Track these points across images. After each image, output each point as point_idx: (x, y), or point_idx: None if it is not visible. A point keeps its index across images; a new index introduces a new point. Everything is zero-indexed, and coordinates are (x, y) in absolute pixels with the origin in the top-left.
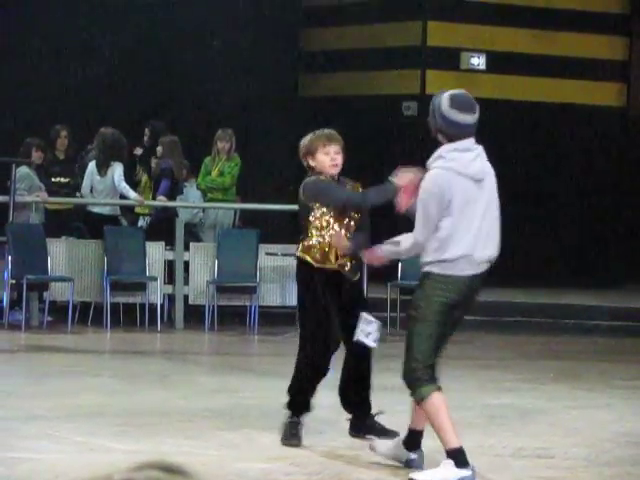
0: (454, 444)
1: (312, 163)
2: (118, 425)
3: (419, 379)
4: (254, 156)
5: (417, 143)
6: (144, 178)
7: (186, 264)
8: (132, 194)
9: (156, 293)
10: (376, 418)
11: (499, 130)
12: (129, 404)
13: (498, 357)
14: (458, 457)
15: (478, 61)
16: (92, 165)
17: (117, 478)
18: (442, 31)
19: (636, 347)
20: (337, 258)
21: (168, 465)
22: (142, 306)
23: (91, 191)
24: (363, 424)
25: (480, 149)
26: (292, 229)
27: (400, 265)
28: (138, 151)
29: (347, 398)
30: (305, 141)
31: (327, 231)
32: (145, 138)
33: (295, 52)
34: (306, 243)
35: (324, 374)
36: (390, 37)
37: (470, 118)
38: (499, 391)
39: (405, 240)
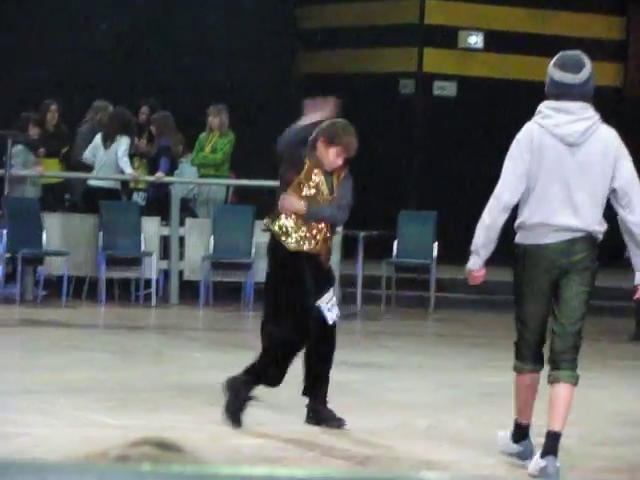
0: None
1: (322, 148)
2: (112, 400)
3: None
4: (251, 133)
5: (414, 121)
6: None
7: (181, 240)
8: (128, 169)
9: (151, 268)
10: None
11: (496, 109)
12: (124, 379)
13: (492, 335)
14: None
15: (476, 39)
16: (98, 137)
17: (113, 454)
18: (440, 9)
19: (629, 327)
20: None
21: (163, 441)
22: (137, 281)
23: (92, 164)
24: (315, 409)
25: (589, 115)
26: None
27: (396, 242)
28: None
29: (306, 381)
30: (334, 128)
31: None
32: (143, 116)
33: (292, 29)
34: (283, 222)
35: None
36: (388, 15)
37: (570, 77)
38: (493, 369)
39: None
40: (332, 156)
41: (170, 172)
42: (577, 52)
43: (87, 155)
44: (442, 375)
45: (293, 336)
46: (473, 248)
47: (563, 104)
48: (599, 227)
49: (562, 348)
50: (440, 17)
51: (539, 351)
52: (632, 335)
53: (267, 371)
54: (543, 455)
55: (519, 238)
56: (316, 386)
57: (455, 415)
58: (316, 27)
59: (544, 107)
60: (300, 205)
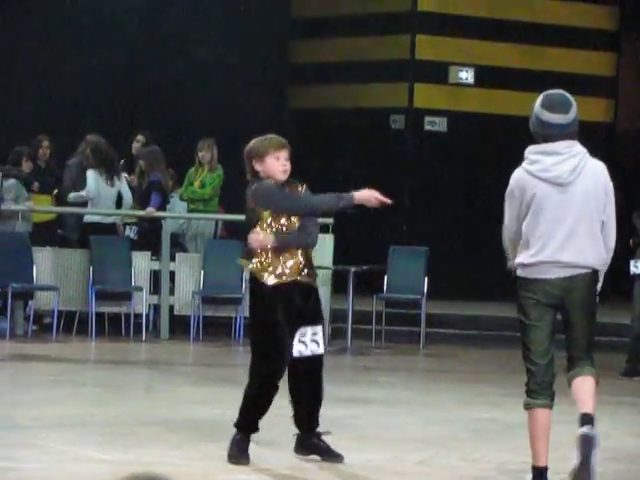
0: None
1: (259, 167)
2: (103, 435)
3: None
4: (241, 168)
5: (404, 156)
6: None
7: (172, 274)
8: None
9: (141, 303)
10: (323, 437)
11: (487, 144)
12: (114, 414)
13: (483, 371)
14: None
15: (466, 75)
16: (94, 173)
17: None
18: (431, 45)
19: (619, 362)
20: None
21: (154, 476)
22: (127, 316)
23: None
24: (307, 442)
25: (576, 152)
26: None
27: (386, 278)
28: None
29: (296, 414)
30: (255, 144)
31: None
32: (137, 145)
33: (283, 64)
34: (258, 259)
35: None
36: (379, 50)
37: (559, 118)
38: (483, 405)
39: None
40: (275, 163)
41: (162, 207)
42: (561, 91)
43: (94, 196)
44: (432, 411)
45: (269, 374)
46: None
47: (549, 146)
48: (600, 262)
49: (576, 352)
50: (431, 52)
51: (547, 385)
52: (623, 371)
53: (247, 414)
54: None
55: (521, 272)
56: (309, 420)
57: (446, 451)
58: (307, 62)
59: (530, 153)
60: (267, 236)
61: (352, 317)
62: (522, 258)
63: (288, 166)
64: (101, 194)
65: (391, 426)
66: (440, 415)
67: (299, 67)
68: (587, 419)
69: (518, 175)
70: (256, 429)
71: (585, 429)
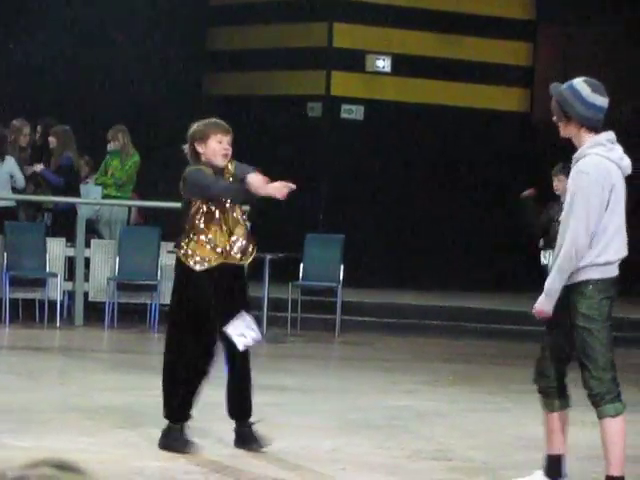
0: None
1: (201, 149)
2: (16, 422)
3: (612, 392)
4: (158, 154)
5: (321, 143)
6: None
7: (87, 261)
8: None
9: (56, 289)
10: (253, 427)
11: (403, 133)
12: (27, 401)
13: (398, 359)
14: None
15: (383, 64)
16: None
17: (11, 475)
18: (348, 33)
19: (534, 351)
20: (223, 251)
21: (63, 462)
22: (41, 302)
23: None
24: (241, 433)
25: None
26: None
27: (302, 265)
28: (37, 168)
29: (229, 404)
30: (198, 126)
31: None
32: (37, 135)
33: (201, 51)
34: (186, 245)
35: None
36: (296, 38)
37: (607, 102)
38: (399, 393)
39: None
40: (217, 146)
41: (75, 192)
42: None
43: None
44: (347, 398)
45: (196, 361)
46: (552, 279)
47: (611, 135)
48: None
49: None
50: (348, 41)
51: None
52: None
53: (171, 403)
54: None
55: (596, 273)
56: (238, 408)
57: (360, 438)
58: (225, 49)
59: (604, 139)
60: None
61: (268, 304)
62: (606, 256)
63: (230, 150)
64: None
65: (305, 413)
66: (355, 403)
67: (216, 54)
68: None
69: (600, 161)
70: (184, 418)
71: None
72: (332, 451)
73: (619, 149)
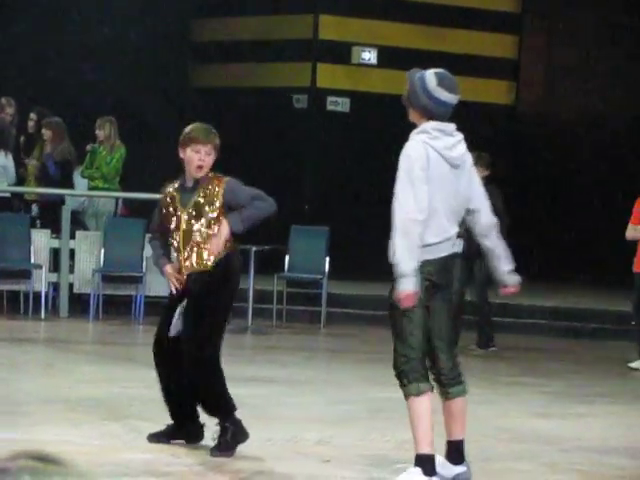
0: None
1: (182, 155)
2: (1, 413)
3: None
4: (143, 146)
5: (307, 135)
6: (31, 165)
7: (72, 252)
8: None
9: (41, 281)
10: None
11: (389, 125)
12: (11, 392)
13: (383, 351)
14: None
15: (369, 56)
16: None
17: None
18: (334, 25)
19: (519, 344)
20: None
21: (43, 454)
22: (26, 294)
23: None
24: (184, 429)
25: (461, 136)
26: None
27: (287, 257)
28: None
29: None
30: (184, 131)
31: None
32: (31, 123)
33: (186, 42)
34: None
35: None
36: (282, 30)
37: (454, 98)
38: (383, 385)
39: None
40: (193, 156)
41: (70, 184)
42: (445, 71)
43: None
44: (332, 390)
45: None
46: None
47: (448, 127)
48: None
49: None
50: (334, 33)
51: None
52: (478, 342)
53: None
54: (458, 463)
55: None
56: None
57: (345, 430)
58: (211, 41)
59: (430, 128)
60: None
61: (253, 296)
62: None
63: (206, 162)
64: None
65: (291, 405)
66: (340, 395)
67: (202, 45)
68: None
69: (417, 144)
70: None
71: (464, 468)
72: (317, 443)
73: (450, 140)
